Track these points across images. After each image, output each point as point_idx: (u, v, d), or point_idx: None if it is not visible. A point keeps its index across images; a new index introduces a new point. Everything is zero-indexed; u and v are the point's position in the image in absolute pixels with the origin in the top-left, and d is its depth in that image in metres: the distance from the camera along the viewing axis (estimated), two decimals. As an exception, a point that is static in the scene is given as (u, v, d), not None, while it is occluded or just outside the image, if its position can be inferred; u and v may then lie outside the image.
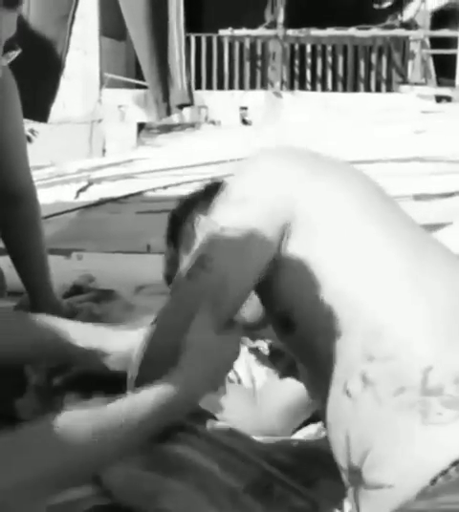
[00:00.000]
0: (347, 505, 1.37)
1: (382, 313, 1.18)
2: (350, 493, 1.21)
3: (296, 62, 12.49)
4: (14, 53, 1.25)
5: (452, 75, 11.86)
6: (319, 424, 1.80)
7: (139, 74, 7.98)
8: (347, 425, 1.19)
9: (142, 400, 1.12)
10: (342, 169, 1.31)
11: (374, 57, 12.46)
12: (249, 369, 1.98)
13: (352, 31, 12.15)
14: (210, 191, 1.49)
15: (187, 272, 1.22)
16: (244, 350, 1.99)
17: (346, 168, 1.32)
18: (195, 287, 1.22)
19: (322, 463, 1.54)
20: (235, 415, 1.73)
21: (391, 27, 12.55)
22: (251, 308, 1.50)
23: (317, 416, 1.83)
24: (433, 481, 1.09)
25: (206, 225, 1.25)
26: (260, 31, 12.38)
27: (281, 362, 1.63)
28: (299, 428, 1.84)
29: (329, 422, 1.24)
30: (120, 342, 1.33)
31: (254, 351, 1.96)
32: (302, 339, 1.25)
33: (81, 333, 1.34)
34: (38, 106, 4.02)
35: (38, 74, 3.88)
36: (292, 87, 12.35)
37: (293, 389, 1.74)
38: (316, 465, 1.54)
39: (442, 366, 1.14)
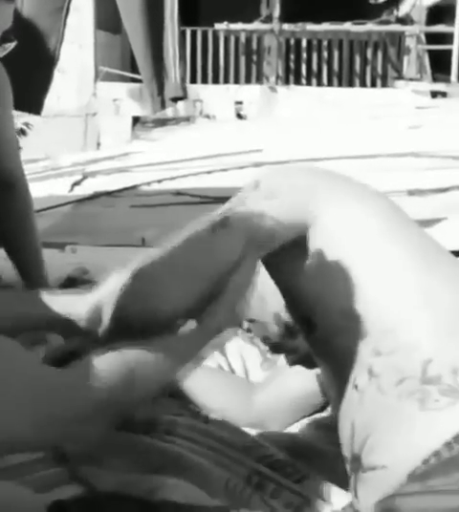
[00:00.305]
0: (337, 501, 1.39)
1: (391, 312, 1.23)
2: (351, 482, 1.24)
3: (292, 57, 12.49)
4: (10, 45, 1.25)
5: (448, 71, 11.87)
6: (309, 419, 1.81)
7: (134, 68, 7.96)
8: (353, 416, 1.23)
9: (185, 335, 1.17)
10: (362, 190, 1.36)
11: (369, 52, 12.45)
12: (243, 360, 1.99)
13: (347, 25, 12.15)
14: None
15: (211, 225, 1.26)
16: (238, 341, 2.00)
17: (365, 188, 1.37)
18: (215, 239, 1.25)
19: (311, 459, 1.57)
20: (229, 408, 1.74)
21: (387, 22, 12.55)
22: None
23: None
24: (426, 462, 1.13)
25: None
26: (256, 25, 12.37)
27: (290, 355, 1.65)
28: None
29: (339, 418, 1.28)
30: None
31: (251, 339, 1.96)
32: (323, 338, 1.29)
33: (59, 303, 1.33)
34: (31, 98, 4.01)
35: (32, 66, 3.87)
36: (287, 81, 12.35)
37: (301, 384, 1.76)
38: (305, 461, 1.55)
39: (441, 358, 1.18)
